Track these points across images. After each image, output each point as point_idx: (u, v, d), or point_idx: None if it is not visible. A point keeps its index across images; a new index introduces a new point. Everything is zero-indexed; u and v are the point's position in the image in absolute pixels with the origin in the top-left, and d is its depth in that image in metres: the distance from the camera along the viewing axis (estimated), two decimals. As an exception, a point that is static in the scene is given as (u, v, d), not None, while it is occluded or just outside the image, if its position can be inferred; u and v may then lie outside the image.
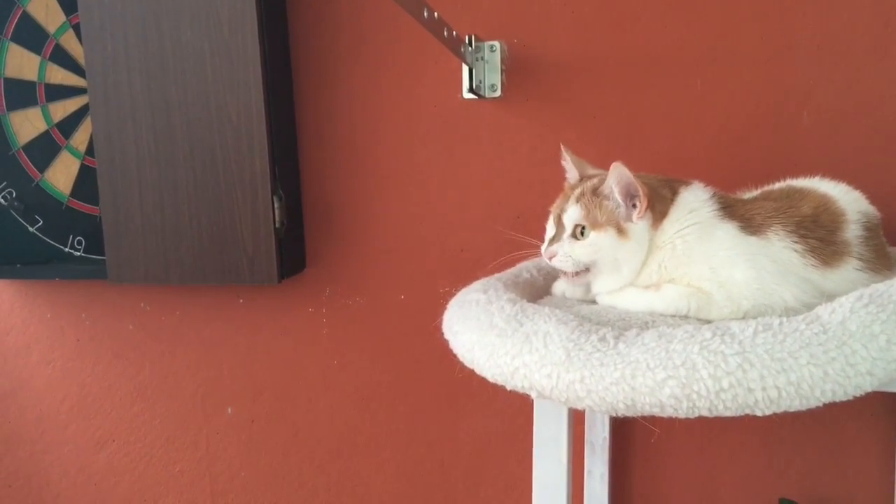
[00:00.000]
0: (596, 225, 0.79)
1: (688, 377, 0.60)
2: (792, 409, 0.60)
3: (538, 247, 0.86)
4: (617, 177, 0.77)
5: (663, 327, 0.66)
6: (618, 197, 0.78)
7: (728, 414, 0.60)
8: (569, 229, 0.81)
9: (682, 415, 0.61)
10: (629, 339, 0.65)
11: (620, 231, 0.78)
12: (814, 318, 0.63)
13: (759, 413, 0.60)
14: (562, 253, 0.81)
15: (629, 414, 0.64)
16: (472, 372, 0.74)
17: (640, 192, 0.76)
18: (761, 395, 0.59)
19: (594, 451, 1.19)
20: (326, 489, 1.42)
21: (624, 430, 1.23)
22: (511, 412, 1.29)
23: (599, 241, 0.79)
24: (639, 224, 0.78)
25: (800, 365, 0.59)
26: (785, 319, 0.62)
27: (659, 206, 0.78)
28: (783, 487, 1.17)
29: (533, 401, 0.76)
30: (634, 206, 0.78)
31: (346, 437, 1.40)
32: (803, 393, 0.59)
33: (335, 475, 1.42)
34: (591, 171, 0.88)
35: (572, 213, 0.81)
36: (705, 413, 0.61)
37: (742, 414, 0.61)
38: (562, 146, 0.89)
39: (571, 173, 0.89)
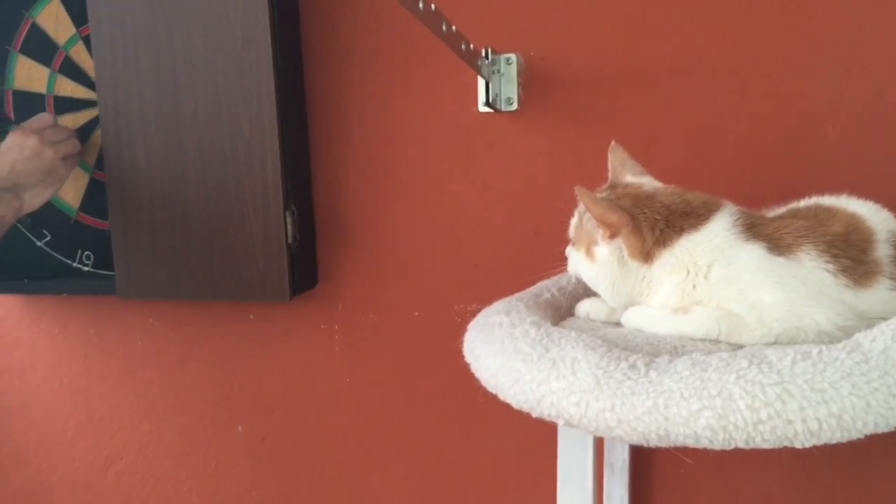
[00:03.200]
0: (577, 241, 0.83)
1: (724, 408, 0.57)
2: (832, 442, 0.57)
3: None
4: (582, 202, 0.77)
5: (696, 354, 0.63)
6: (593, 219, 0.77)
7: (766, 446, 0.58)
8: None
9: (717, 446, 0.59)
10: (661, 366, 0.62)
11: (589, 253, 0.79)
12: (854, 346, 0.60)
13: (798, 445, 0.57)
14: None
15: (662, 445, 0.61)
16: (490, 394, 0.72)
17: (598, 221, 0.76)
18: (801, 427, 0.56)
19: (613, 473, 1.16)
20: (337, 509, 1.40)
21: (643, 453, 1.20)
22: (529, 433, 1.25)
23: (574, 258, 0.83)
24: (603, 249, 0.77)
25: (841, 396, 0.56)
26: (824, 348, 0.60)
27: (634, 240, 0.75)
28: (808, 511, 1.14)
29: (556, 425, 0.74)
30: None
31: (359, 457, 1.37)
32: (845, 425, 0.56)
33: (347, 495, 1.39)
34: (630, 178, 0.85)
35: (571, 224, 0.84)
36: (742, 445, 0.58)
37: (780, 446, 0.58)
38: (612, 143, 0.88)
39: (612, 175, 0.88)
